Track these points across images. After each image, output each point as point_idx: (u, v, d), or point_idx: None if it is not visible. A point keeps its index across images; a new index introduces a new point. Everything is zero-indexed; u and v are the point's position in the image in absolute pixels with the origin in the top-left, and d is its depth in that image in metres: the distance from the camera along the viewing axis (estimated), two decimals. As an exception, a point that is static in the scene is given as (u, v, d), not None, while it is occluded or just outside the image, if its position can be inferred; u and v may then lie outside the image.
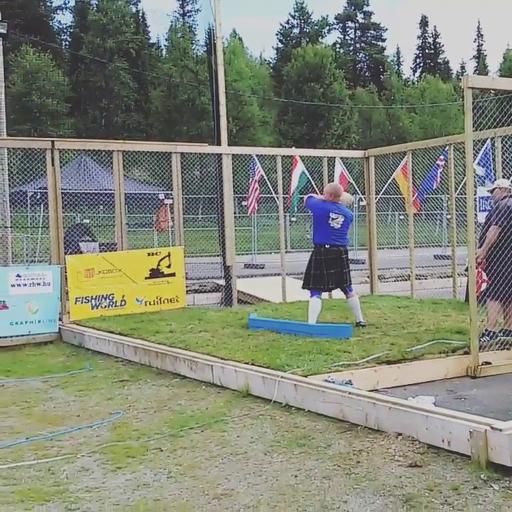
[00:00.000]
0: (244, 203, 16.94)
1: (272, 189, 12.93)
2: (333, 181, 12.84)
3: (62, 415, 6.00)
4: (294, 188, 12.85)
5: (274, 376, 6.10)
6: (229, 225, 12.47)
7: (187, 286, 12.21)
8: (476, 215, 9.61)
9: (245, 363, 6.66)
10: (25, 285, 9.99)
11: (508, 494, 3.90)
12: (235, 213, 14.71)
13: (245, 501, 3.97)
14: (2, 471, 4.60)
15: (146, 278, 10.88)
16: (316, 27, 63.26)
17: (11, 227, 15.82)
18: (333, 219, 8.57)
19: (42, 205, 18.59)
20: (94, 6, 47.78)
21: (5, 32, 15.43)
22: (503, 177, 10.45)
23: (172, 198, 12.12)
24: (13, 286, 9.94)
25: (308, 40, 53.76)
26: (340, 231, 8.62)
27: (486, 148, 10.99)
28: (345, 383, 5.88)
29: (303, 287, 8.77)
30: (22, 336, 9.81)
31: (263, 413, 5.72)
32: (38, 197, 19.26)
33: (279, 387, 5.95)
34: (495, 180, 10.24)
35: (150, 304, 10.84)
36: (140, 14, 53.58)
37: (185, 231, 12.35)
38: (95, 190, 20.09)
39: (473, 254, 6.64)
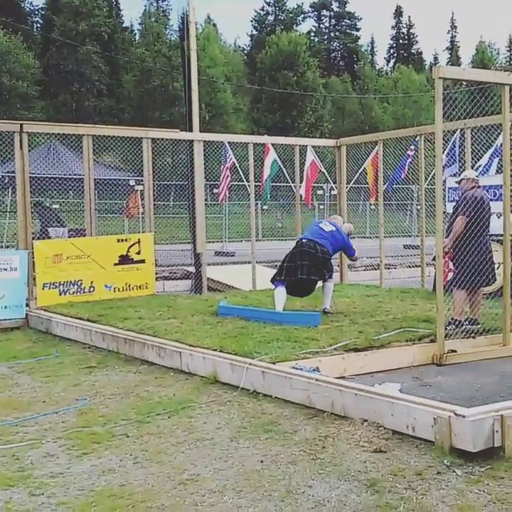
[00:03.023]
0: (215, 191, 16.88)
1: (243, 177, 12.91)
2: (303, 170, 12.98)
3: (27, 401, 5.96)
4: (267, 177, 12.84)
5: (242, 363, 6.11)
6: (200, 212, 12.42)
7: (157, 273, 12.16)
8: (444, 205, 9.72)
9: (214, 350, 6.66)
10: (-9, 270, 9.86)
11: (471, 479, 3.96)
12: (206, 200, 14.64)
13: (211, 486, 3.99)
14: (-35, 457, 4.56)
15: (115, 264, 10.81)
16: (290, 15, 63.09)
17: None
18: (324, 224, 8.95)
19: (10, 189, 18.32)
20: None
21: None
22: (472, 167, 10.57)
23: (143, 184, 12.03)
24: (-21, 270, 9.81)
25: (282, 27, 53.63)
26: (325, 234, 8.72)
27: (454, 139, 11.10)
28: (313, 370, 5.92)
29: (272, 279, 8.72)
30: (-13, 321, 9.70)
31: (231, 399, 5.73)
32: (5, 181, 18.97)
33: (247, 374, 5.96)
34: (454, 169, 10.40)
35: (119, 290, 10.78)
36: (113, -3, 52.82)
37: (156, 218, 12.28)
38: (65, 175, 19.85)
39: (440, 244, 6.71)
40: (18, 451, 4.67)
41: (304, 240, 8.69)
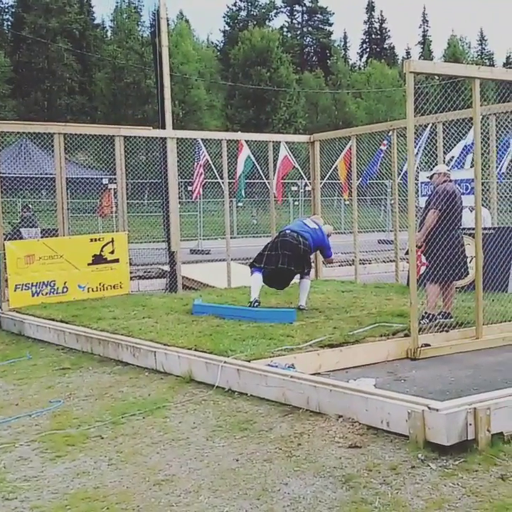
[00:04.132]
0: (189, 188, 16.82)
1: (217, 174, 12.87)
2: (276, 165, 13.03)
3: (0, 404, 5.88)
4: (240, 173, 12.82)
5: (217, 361, 6.09)
6: (173, 210, 12.37)
7: (132, 272, 12.09)
8: (417, 199, 9.78)
9: (188, 349, 6.64)
10: (-38, 272, 9.73)
11: (445, 473, 3.99)
12: (180, 198, 14.58)
13: (186, 486, 3.97)
14: None
15: (88, 264, 10.72)
16: (263, 10, 63.04)
17: None
18: (308, 221, 9.06)
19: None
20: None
21: None
22: (444, 161, 10.65)
23: (116, 183, 11.94)
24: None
25: (255, 23, 53.50)
26: (308, 229, 8.82)
27: (425, 134, 11.19)
28: (288, 367, 5.92)
29: (251, 264, 8.79)
30: (-41, 324, 9.57)
31: (206, 398, 5.71)
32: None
33: (222, 373, 5.95)
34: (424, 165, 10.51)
35: (93, 290, 10.69)
36: (84, -7, 52.24)
37: (130, 216, 12.23)
38: (37, 174, 19.64)
39: (413, 238, 6.74)
40: (-9, 455, 4.62)
41: (287, 231, 8.80)
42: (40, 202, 21.49)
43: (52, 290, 10.35)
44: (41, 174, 19.54)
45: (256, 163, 13.02)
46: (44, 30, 42.99)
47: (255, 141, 14.15)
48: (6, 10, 52.18)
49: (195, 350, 6.57)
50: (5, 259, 10.07)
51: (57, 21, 43.68)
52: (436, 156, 10.99)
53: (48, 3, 43.77)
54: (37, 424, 5.26)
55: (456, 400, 4.52)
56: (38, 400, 5.97)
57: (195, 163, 12.71)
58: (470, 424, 4.27)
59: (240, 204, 23.86)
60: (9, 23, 51.42)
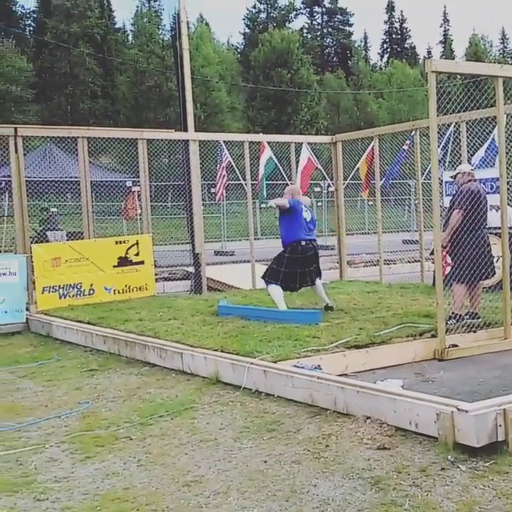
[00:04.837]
0: (213, 190, 16.86)
1: (240, 175, 12.89)
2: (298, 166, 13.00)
3: (29, 406, 5.95)
4: (262, 174, 12.83)
5: (243, 362, 6.10)
6: (197, 212, 12.42)
7: (156, 274, 12.16)
8: (441, 199, 9.72)
9: (215, 350, 6.66)
10: (-10, 275, 9.85)
11: (475, 475, 3.95)
12: (203, 200, 14.63)
13: (215, 488, 3.98)
14: (-31, 464, 4.55)
15: (114, 266, 10.80)
16: (282, 12, 62.94)
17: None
18: (306, 212, 8.72)
19: (6, 194, 18.29)
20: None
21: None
22: (468, 161, 10.57)
23: (140, 186, 12.02)
24: (-22, 276, 9.80)
25: (275, 25, 53.49)
26: (311, 225, 8.72)
27: (449, 133, 11.11)
28: (315, 368, 5.91)
29: (265, 278, 8.66)
30: (-12, 326, 9.68)
31: (233, 399, 5.72)
32: (2, 185, 18.94)
33: (248, 374, 5.95)
34: (448, 164, 10.41)
35: (119, 292, 10.77)
36: (105, -2, 52.66)
37: (154, 219, 12.30)
38: (62, 178, 19.84)
39: (438, 238, 6.70)
40: (22, 456, 4.66)
41: (303, 243, 8.51)
42: (65, 205, 21.69)
43: (79, 292, 10.45)
44: (66, 178, 19.75)
45: (278, 164, 13.02)
46: (66, 35, 43.40)
47: (277, 142, 14.16)
48: (28, 15, 52.81)
49: (222, 351, 6.59)
50: (32, 262, 10.19)
51: (78, 26, 44.07)
52: (460, 155, 10.91)
53: (70, 8, 44.17)
54: (66, 426, 5.31)
55: (485, 401, 4.49)
56: (66, 401, 6.03)
57: (218, 165, 12.75)
58: (500, 426, 4.23)
59: (263, 205, 23.86)
60: (31, 28, 51.99)
